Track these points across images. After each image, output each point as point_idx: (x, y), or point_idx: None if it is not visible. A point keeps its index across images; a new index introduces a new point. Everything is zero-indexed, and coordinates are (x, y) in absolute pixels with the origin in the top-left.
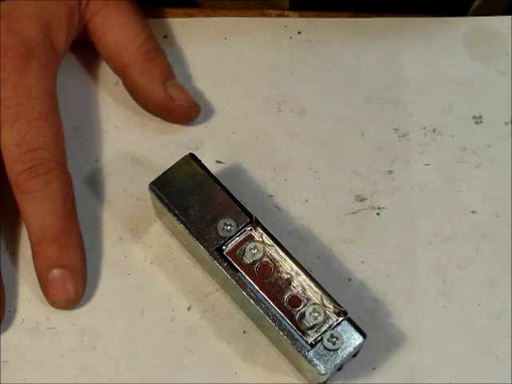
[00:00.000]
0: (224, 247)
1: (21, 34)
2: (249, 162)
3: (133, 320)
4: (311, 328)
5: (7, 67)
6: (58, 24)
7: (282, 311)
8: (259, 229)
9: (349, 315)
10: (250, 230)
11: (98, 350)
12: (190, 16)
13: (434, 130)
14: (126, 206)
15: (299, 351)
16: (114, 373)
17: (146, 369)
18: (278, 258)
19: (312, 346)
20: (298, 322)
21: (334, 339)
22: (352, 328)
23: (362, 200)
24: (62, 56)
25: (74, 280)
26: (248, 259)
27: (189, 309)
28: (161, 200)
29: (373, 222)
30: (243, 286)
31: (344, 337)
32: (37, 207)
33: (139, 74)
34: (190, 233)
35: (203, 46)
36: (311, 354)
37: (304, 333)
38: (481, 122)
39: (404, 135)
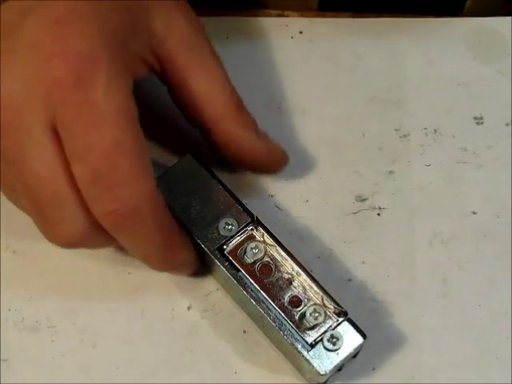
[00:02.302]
0: (225, 246)
1: (80, 39)
2: None
3: (133, 319)
4: (311, 328)
5: (67, 83)
6: (124, 34)
7: (282, 311)
8: (260, 228)
9: (349, 316)
10: (252, 229)
11: (97, 349)
12: None
13: (435, 130)
14: None
15: (299, 351)
16: (113, 372)
17: (146, 368)
18: (278, 257)
19: (312, 346)
20: (298, 322)
21: (335, 340)
22: (352, 328)
23: (363, 200)
24: (134, 68)
25: (189, 270)
26: (249, 259)
27: (189, 308)
28: None
29: (373, 223)
30: (244, 285)
31: (344, 337)
32: (133, 244)
33: (236, 127)
34: (191, 232)
35: None
36: (311, 354)
37: (304, 333)
38: (482, 122)
39: (405, 135)
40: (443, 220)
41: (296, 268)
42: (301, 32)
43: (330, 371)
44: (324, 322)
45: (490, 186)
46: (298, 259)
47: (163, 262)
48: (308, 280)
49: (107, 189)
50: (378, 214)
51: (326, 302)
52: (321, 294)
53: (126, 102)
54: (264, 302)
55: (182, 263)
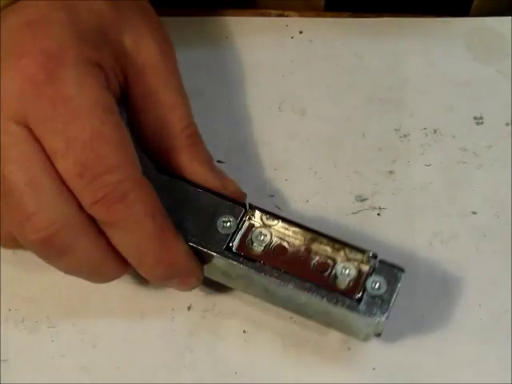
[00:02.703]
0: (231, 244)
1: (49, 39)
2: (249, 161)
3: (133, 319)
4: (349, 284)
5: (38, 80)
6: (94, 38)
7: (315, 281)
8: (257, 213)
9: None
10: (249, 218)
11: (98, 349)
12: (190, 16)
13: (435, 130)
14: None
15: (352, 311)
16: (113, 372)
17: (146, 369)
18: (286, 232)
19: (359, 300)
20: (334, 285)
21: (378, 284)
22: (388, 266)
23: (363, 200)
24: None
25: (192, 282)
26: (259, 247)
27: (189, 308)
28: None
29: (373, 223)
30: (268, 273)
31: (385, 278)
32: (126, 235)
33: (187, 159)
34: (194, 244)
35: (203, 46)
36: (363, 308)
37: (345, 292)
38: (482, 122)
39: (405, 135)
40: (443, 220)
41: (307, 235)
42: (301, 32)
43: (389, 313)
44: (358, 273)
45: (490, 186)
46: (305, 225)
47: (159, 264)
48: (324, 240)
49: (95, 178)
50: (378, 214)
51: (350, 254)
52: (342, 248)
53: (99, 94)
54: (294, 281)
55: (183, 270)
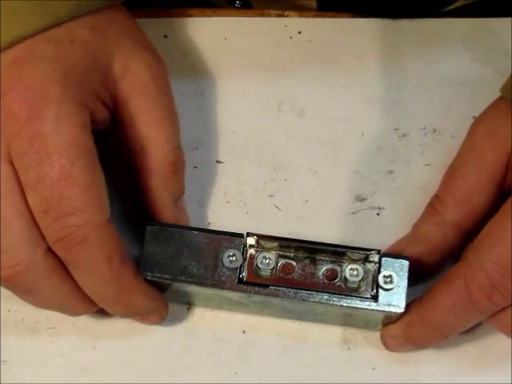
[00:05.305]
0: (241, 276)
1: (34, 75)
2: (249, 161)
3: (132, 320)
4: (360, 285)
5: (20, 117)
6: (81, 71)
7: (328, 290)
8: (255, 239)
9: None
10: (249, 246)
11: (97, 349)
12: (190, 16)
13: (434, 130)
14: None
15: (371, 309)
16: (113, 373)
17: (146, 369)
18: (287, 250)
19: (375, 297)
20: (347, 289)
21: (388, 278)
22: (393, 259)
23: (362, 200)
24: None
25: (153, 319)
26: (266, 271)
27: (189, 309)
28: (160, 279)
29: (373, 222)
30: (285, 294)
31: (394, 271)
32: (84, 275)
33: (158, 185)
34: (206, 286)
35: (203, 46)
36: (381, 304)
37: (359, 293)
38: None
39: (404, 135)
40: None
41: (308, 247)
42: (299, 32)
43: (406, 302)
44: (366, 272)
45: None
46: (303, 239)
47: (117, 305)
48: (325, 249)
49: (58, 217)
50: (378, 214)
51: (353, 256)
52: (345, 252)
53: (77, 133)
54: (310, 295)
55: (143, 310)
